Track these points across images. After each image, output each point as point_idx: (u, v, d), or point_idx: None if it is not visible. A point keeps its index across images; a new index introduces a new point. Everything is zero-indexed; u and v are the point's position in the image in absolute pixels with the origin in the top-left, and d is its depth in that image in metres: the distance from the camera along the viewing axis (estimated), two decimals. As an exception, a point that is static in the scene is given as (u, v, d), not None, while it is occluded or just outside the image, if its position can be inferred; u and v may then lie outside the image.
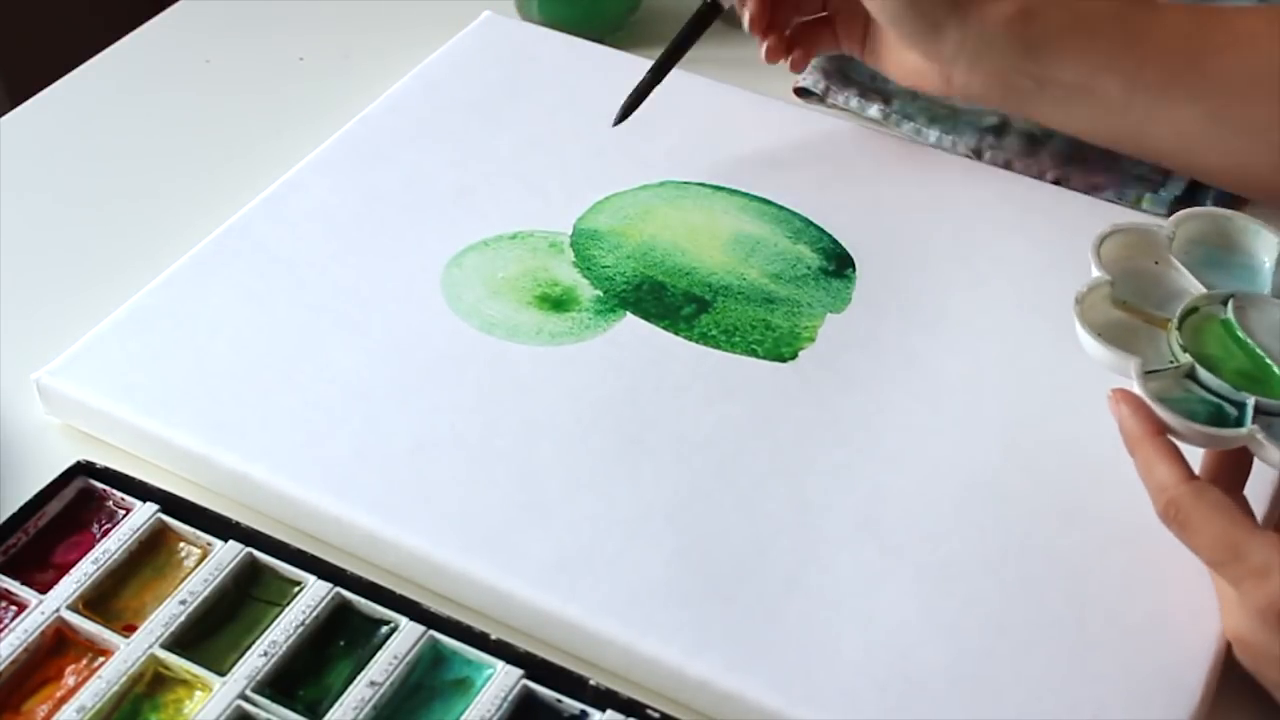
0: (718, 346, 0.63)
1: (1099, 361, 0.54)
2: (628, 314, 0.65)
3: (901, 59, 0.71)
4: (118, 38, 0.84)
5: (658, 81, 0.72)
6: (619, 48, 0.79)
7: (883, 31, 0.70)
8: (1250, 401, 0.52)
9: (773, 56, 0.73)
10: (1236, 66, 0.65)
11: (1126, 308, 0.56)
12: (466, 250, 0.68)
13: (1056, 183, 0.73)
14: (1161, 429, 0.52)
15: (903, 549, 0.56)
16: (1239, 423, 0.52)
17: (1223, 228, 0.59)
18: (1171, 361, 0.54)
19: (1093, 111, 0.67)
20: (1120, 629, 0.54)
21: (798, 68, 0.74)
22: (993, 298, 0.66)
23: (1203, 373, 0.53)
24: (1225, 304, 0.56)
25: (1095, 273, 0.57)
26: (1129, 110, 0.66)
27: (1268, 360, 0.54)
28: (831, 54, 0.79)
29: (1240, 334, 0.55)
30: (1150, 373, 0.53)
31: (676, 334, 0.64)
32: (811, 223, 0.69)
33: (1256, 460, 0.53)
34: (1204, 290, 0.56)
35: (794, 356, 0.63)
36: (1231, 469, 0.54)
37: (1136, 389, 0.52)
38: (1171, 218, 0.59)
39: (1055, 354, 0.63)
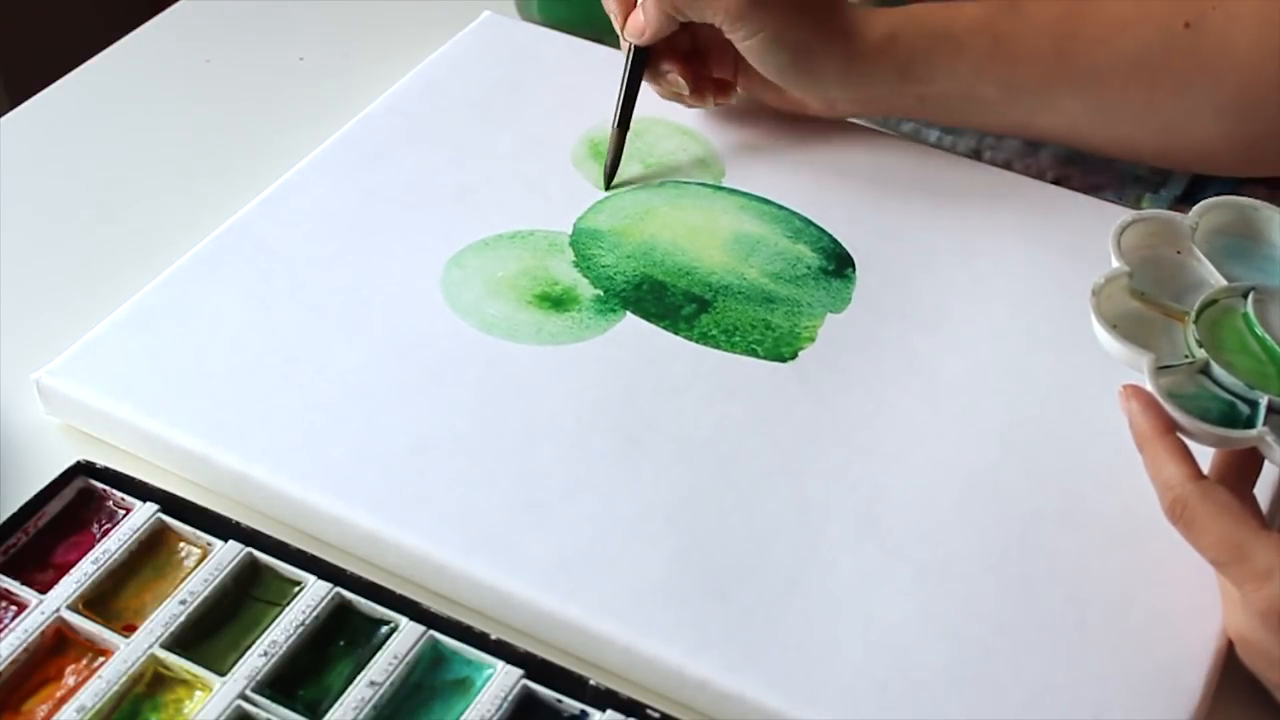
0: (718, 346, 0.63)
1: (1113, 355, 0.54)
2: (628, 314, 0.65)
3: (778, 92, 0.71)
4: (118, 38, 0.84)
5: (625, 133, 0.71)
6: (619, 48, 0.79)
7: None
8: (1264, 400, 0.52)
9: (721, 97, 0.73)
10: (1108, 57, 0.66)
11: (1144, 299, 0.56)
12: (466, 250, 0.68)
13: (1056, 182, 0.73)
14: (1171, 426, 0.51)
15: (903, 549, 0.56)
16: (1251, 421, 0.52)
17: (1248, 218, 0.58)
18: (1186, 356, 0.54)
19: (978, 113, 0.70)
20: (1120, 629, 0.54)
21: (728, 96, 0.73)
22: (993, 298, 0.66)
23: (1217, 369, 0.53)
24: (1245, 297, 0.55)
25: (1115, 262, 0.56)
26: (1012, 108, 0.69)
27: None
28: None
29: (1259, 329, 0.54)
30: (1163, 368, 0.53)
31: (676, 334, 0.64)
32: (811, 222, 0.69)
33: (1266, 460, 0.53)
34: (1224, 282, 0.56)
35: (794, 356, 0.63)
36: (1241, 468, 0.54)
37: (1148, 385, 0.52)
38: (1196, 207, 0.58)
39: (1055, 354, 0.63)
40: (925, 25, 0.68)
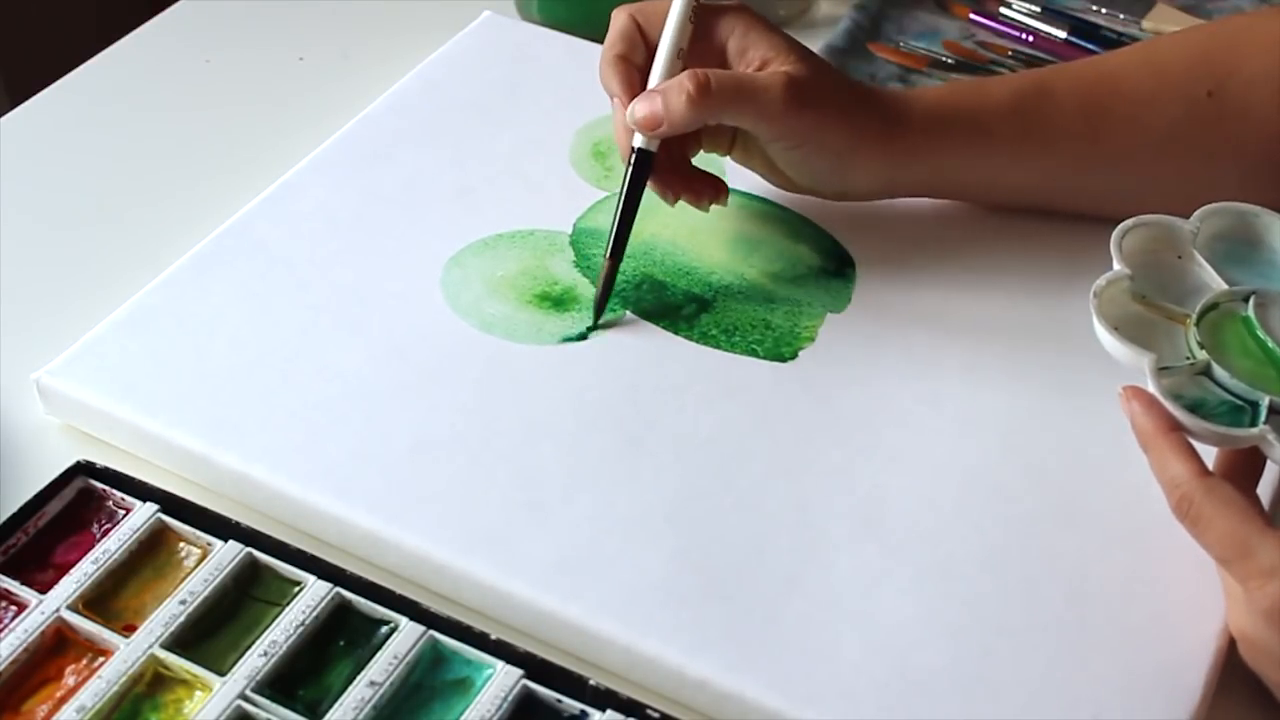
0: (718, 346, 0.63)
1: (1114, 356, 0.54)
2: (628, 314, 0.65)
3: (789, 177, 0.66)
4: (118, 38, 0.84)
5: (618, 265, 0.64)
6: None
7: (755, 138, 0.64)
8: (1265, 401, 0.52)
9: (705, 201, 0.66)
10: (1138, 136, 0.65)
11: (1145, 303, 0.56)
12: (466, 250, 0.68)
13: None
14: (1174, 425, 0.51)
15: (903, 549, 0.56)
16: (1253, 422, 0.52)
17: (1248, 223, 0.58)
18: (1188, 358, 0.54)
19: (1008, 195, 0.68)
20: (1120, 629, 0.54)
21: (725, 199, 0.66)
22: (993, 298, 0.66)
23: (1218, 371, 0.53)
24: (1246, 301, 0.55)
25: (1116, 266, 0.56)
26: (1041, 191, 0.67)
27: None
28: (830, 54, 0.79)
29: (1259, 332, 0.54)
30: (1164, 369, 0.53)
31: (676, 334, 0.64)
32: (811, 222, 0.69)
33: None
34: (1226, 286, 0.56)
35: (794, 356, 0.63)
36: (1244, 468, 0.54)
37: (1150, 385, 0.52)
38: (1197, 212, 0.58)
39: (1055, 354, 0.63)
40: (957, 117, 0.65)
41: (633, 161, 0.63)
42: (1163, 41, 0.69)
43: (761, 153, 0.65)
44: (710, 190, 0.66)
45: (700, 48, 0.64)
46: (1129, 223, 0.58)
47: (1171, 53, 0.67)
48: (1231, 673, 0.53)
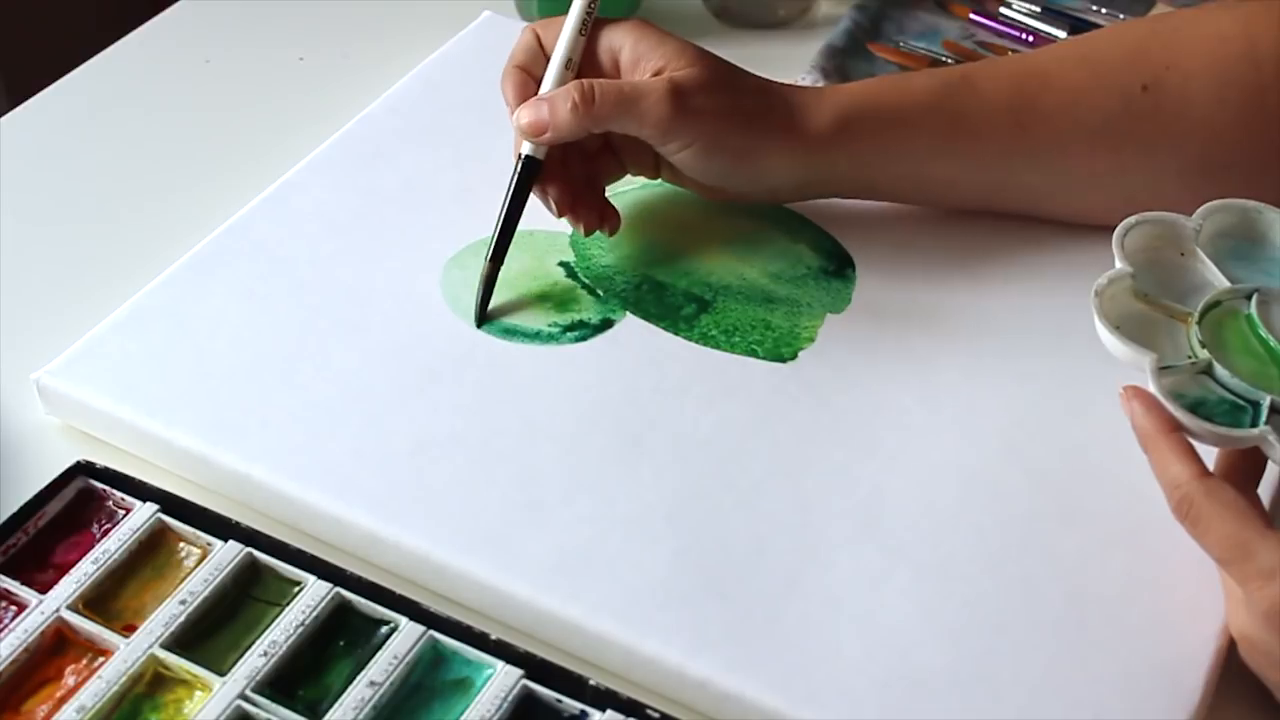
0: (718, 346, 0.63)
1: (1116, 355, 0.54)
2: (628, 314, 0.65)
3: (691, 175, 0.66)
4: (118, 38, 0.84)
5: (499, 268, 0.64)
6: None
7: None
8: (1266, 400, 0.52)
9: (590, 228, 0.66)
10: (1069, 129, 0.65)
11: (1147, 301, 0.56)
12: (466, 250, 0.68)
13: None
14: (1175, 425, 0.51)
15: (903, 549, 0.56)
16: (1254, 421, 0.52)
17: (1251, 221, 0.58)
18: (1189, 357, 0.54)
19: (936, 193, 0.68)
20: (1120, 629, 0.54)
21: (615, 229, 0.66)
22: (992, 298, 0.66)
23: (1220, 370, 0.53)
24: (1249, 299, 0.55)
25: (1118, 264, 0.56)
26: (970, 187, 0.67)
27: None
28: (830, 54, 0.79)
29: (1262, 331, 0.54)
30: (1166, 368, 0.53)
31: (676, 334, 0.64)
32: (811, 222, 0.69)
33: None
34: (1228, 284, 0.56)
35: (794, 356, 0.63)
36: (1245, 468, 0.54)
37: (1150, 385, 0.52)
38: (1200, 209, 0.58)
39: (1055, 354, 0.63)
40: (876, 109, 0.64)
41: (518, 169, 0.64)
42: (1097, 36, 0.68)
43: (679, 173, 0.65)
44: (596, 218, 0.66)
45: (594, 60, 0.65)
46: (1131, 220, 0.57)
47: (1106, 47, 0.66)
48: (1231, 673, 0.53)
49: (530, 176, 0.64)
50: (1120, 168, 0.65)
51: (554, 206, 0.66)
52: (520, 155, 0.64)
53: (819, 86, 0.69)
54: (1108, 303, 0.55)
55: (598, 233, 0.67)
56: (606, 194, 0.68)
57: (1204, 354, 0.53)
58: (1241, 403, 0.52)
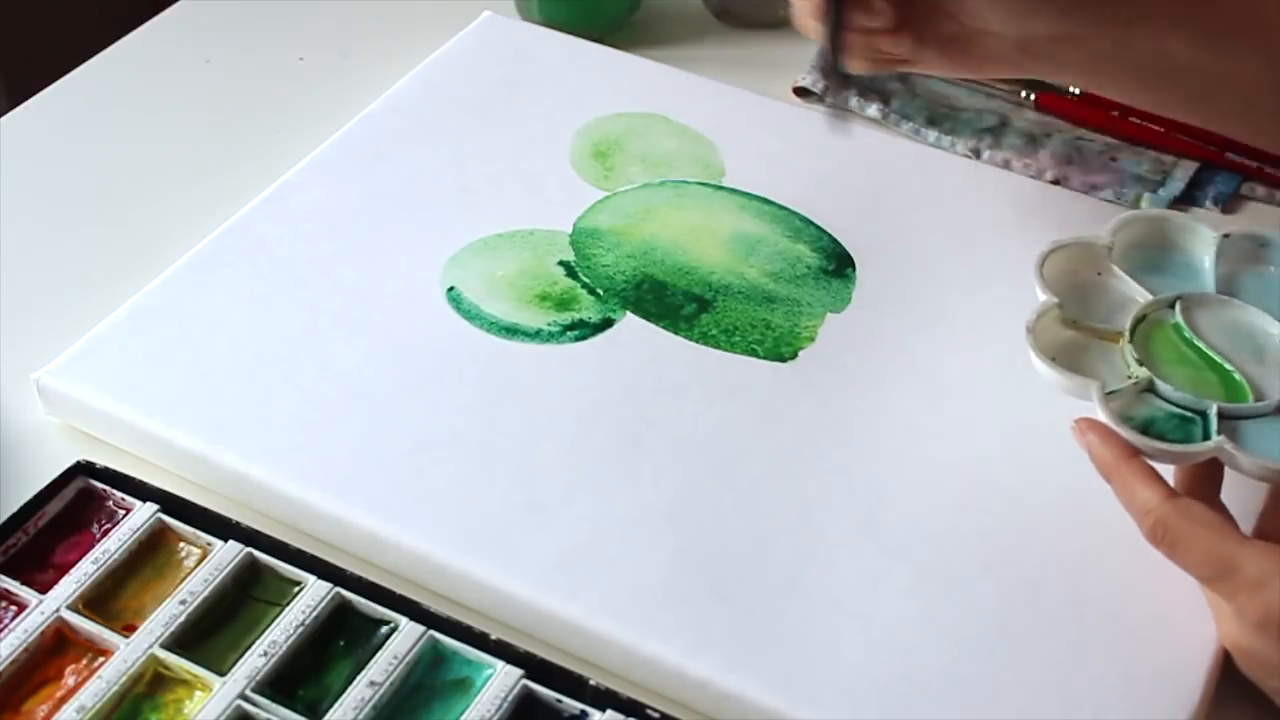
0: (718, 346, 0.63)
1: (1058, 388, 0.54)
2: (628, 314, 0.65)
3: (970, 33, 0.63)
4: (118, 38, 0.84)
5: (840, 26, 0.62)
6: (619, 48, 0.79)
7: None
8: (1213, 409, 0.52)
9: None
10: None
11: (1076, 326, 0.56)
12: (466, 250, 0.68)
13: (1055, 183, 0.73)
14: (1134, 451, 0.51)
15: (903, 549, 0.56)
16: (1205, 431, 0.52)
17: (1160, 229, 0.59)
18: (1129, 376, 0.54)
19: (1161, 78, 0.64)
20: (1120, 629, 0.54)
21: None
22: (993, 298, 0.66)
23: (1161, 385, 0.53)
24: (1173, 307, 0.56)
25: (1041, 296, 0.56)
26: (1200, 71, 0.63)
27: (1221, 361, 0.54)
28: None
29: (1189, 335, 0.55)
30: (1110, 393, 0.53)
31: (676, 334, 0.64)
32: (811, 222, 0.69)
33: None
34: (1149, 296, 0.56)
35: (794, 356, 0.63)
36: (1205, 480, 0.53)
37: (1100, 413, 0.52)
38: (1108, 225, 0.58)
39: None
40: None
41: None
42: None
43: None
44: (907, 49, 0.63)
45: None
46: (1045, 249, 0.58)
47: None
48: (1231, 673, 0.53)
49: None
50: None
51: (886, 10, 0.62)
52: None
53: None
54: (1040, 336, 0.55)
55: (598, 231, 0.66)
56: (605, 196, 0.68)
57: (1142, 371, 0.53)
58: (1189, 414, 0.52)
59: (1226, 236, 0.58)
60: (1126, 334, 0.55)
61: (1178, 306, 0.55)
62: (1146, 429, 0.52)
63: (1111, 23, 0.63)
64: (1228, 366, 0.54)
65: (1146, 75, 0.65)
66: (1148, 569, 0.55)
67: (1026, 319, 0.55)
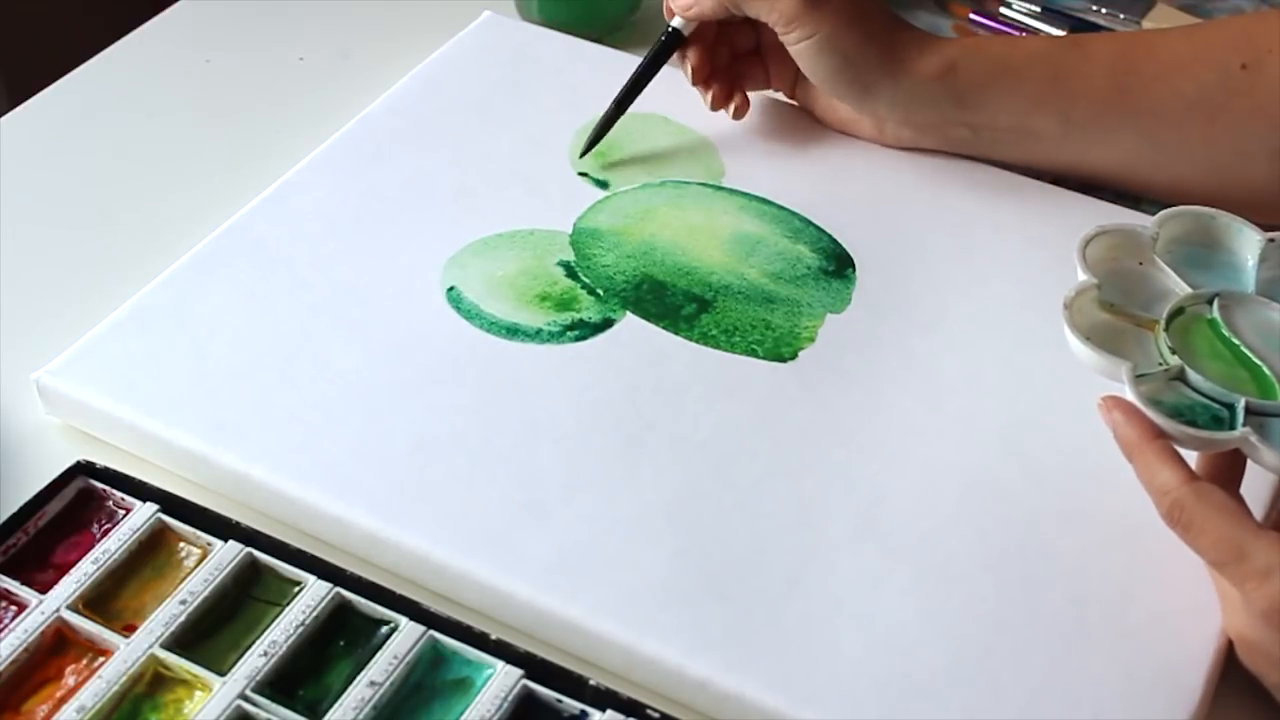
0: (718, 346, 0.63)
1: (1089, 366, 0.54)
2: (628, 314, 0.65)
3: (832, 105, 0.72)
4: (118, 38, 0.84)
5: (621, 113, 0.72)
6: (619, 48, 0.79)
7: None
8: (1241, 402, 0.52)
9: (717, 105, 0.72)
10: (1166, 96, 0.67)
11: (1113, 310, 0.56)
12: (466, 250, 0.68)
13: (1056, 183, 0.73)
14: (1158, 432, 0.51)
15: (903, 549, 0.56)
16: (1231, 424, 0.52)
17: (1206, 226, 0.59)
18: (1160, 364, 0.54)
19: (1031, 149, 0.70)
20: (1120, 629, 0.54)
21: (740, 115, 0.72)
22: (993, 298, 0.66)
23: (1192, 375, 0.53)
24: (1211, 303, 0.56)
25: (1081, 276, 0.57)
26: (1066, 144, 0.69)
27: (1255, 359, 0.54)
28: None
29: (1226, 333, 0.55)
30: (1140, 376, 0.53)
31: (676, 334, 0.64)
32: (811, 223, 0.69)
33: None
34: (1189, 290, 0.56)
35: (794, 356, 0.63)
36: (1226, 470, 0.54)
37: (1129, 393, 0.52)
38: (1155, 218, 0.58)
39: (1055, 354, 0.62)
40: (983, 54, 0.68)
41: (661, 37, 0.71)
42: (1208, 21, 0.71)
43: (809, 90, 0.72)
44: (725, 97, 0.72)
45: None
46: (1090, 231, 0.58)
47: (1213, 27, 0.69)
48: (1231, 673, 0.53)
49: (671, 46, 0.71)
50: (1211, 140, 0.66)
51: (691, 72, 0.71)
52: (668, 26, 0.71)
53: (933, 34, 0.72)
54: (1076, 314, 0.55)
55: (598, 232, 0.66)
56: (605, 196, 0.69)
57: (1175, 360, 0.54)
58: (1217, 406, 0.53)
59: (1272, 240, 0.58)
60: (1163, 323, 0.55)
61: (1216, 303, 0.55)
62: (1174, 415, 0.52)
63: (960, 119, 0.70)
64: (1261, 365, 0.54)
65: (1016, 151, 0.71)
66: (1148, 569, 0.55)
67: (1065, 295, 0.56)
